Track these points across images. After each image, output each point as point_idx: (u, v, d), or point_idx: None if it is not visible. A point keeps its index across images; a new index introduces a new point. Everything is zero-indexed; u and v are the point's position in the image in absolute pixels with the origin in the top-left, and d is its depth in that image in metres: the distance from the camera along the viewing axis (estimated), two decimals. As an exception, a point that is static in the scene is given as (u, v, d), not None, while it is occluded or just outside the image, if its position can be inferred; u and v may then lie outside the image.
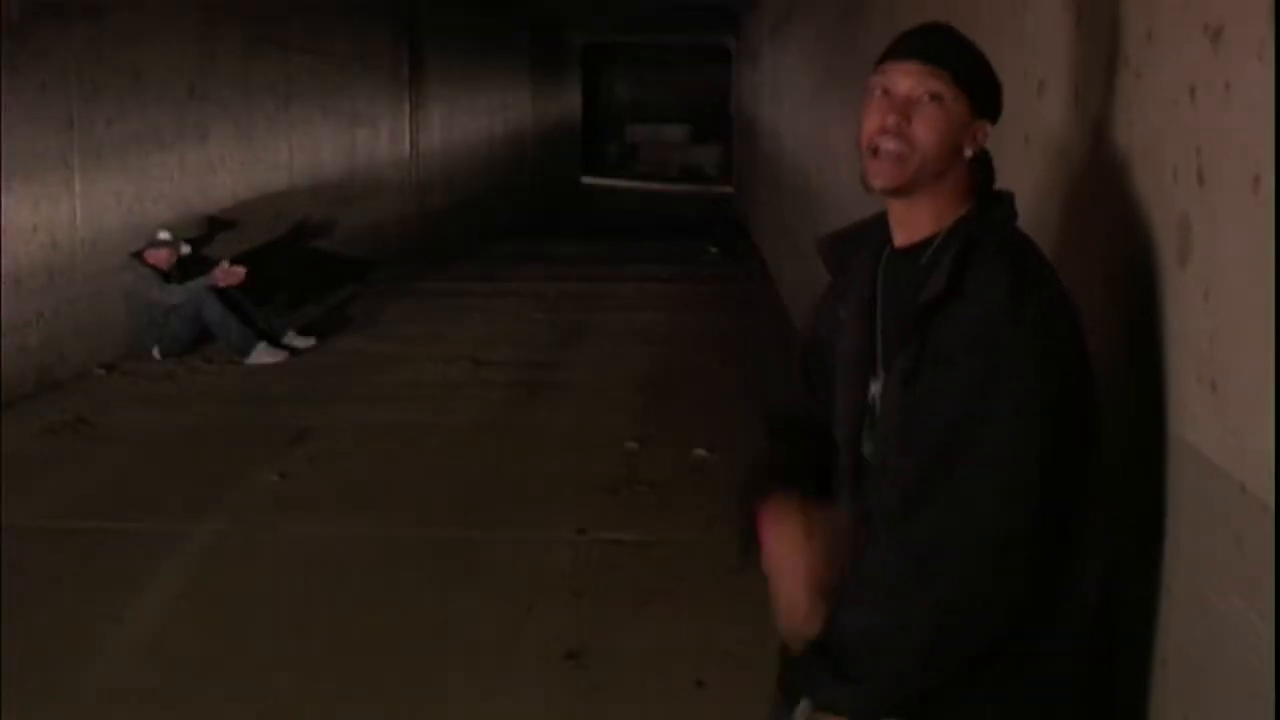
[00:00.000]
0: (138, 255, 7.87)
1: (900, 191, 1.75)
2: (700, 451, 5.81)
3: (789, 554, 1.77)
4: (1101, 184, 2.11)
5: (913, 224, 1.79)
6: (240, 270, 8.06)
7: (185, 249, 8.11)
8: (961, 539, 1.61)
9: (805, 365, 2.01)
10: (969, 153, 1.77)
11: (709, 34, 23.62)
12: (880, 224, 1.88)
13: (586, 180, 26.96)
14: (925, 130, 1.73)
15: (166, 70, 8.35)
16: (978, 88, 1.77)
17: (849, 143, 6.18)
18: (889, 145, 1.73)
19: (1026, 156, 2.59)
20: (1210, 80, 1.67)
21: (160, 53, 8.25)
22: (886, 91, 1.76)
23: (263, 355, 7.92)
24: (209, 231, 8.84)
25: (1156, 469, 1.82)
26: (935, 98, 1.73)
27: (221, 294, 7.99)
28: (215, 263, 8.25)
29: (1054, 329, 1.66)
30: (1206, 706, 1.68)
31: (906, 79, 1.74)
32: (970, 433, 1.61)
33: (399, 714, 3.43)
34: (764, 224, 14.09)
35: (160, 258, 7.93)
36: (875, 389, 1.80)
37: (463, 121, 16.00)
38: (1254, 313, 1.53)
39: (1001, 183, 1.84)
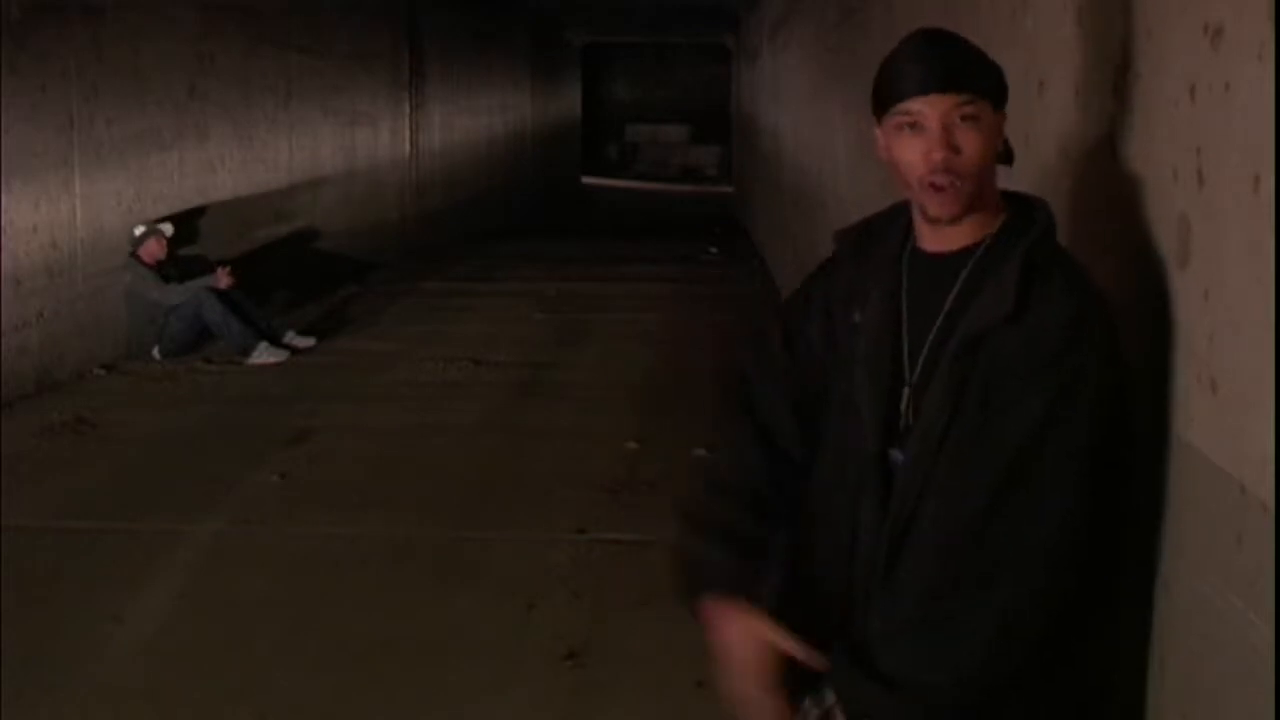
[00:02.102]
0: (134, 256, 7.87)
1: (963, 215, 1.73)
2: (700, 451, 5.80)
3: (739, 659, 1.79)
4: (1102, 184, 2.11)
5: (952, 231, 1.76)
6: (229, 277, 8.07)
7: (168, 229, 8.07)
8: (1024, 554, 1.63)
9: (789, 339, 1.94)
10: (999, 147, 1.76)
11: (709, 34, 23.63)
12: (899, 219, 1.86)
13: (586, 180, 26.96)
14: (973, 150, 1.69)
15: (166, 70, 8.36)
16: (994, 87, 1.75)
17: (848, 144, 6.18)
18: (944, 181, 1.70)
19: (1027, 156, 2.58)
20: (1210, 80, 1.67)
21: (160, 53, 8.26)
22: (915, 125, 1.70)
23: (264, 355, 7.92)
24: (187, 215, 8.74)
25: (1156, 469, 1.82)
26: (970, 119, 1.70)
27: (221, 294, 8.00)
28: (215, 264, 8.26)
29: (1113, 352, 1.67)
30: (1206, 706, 1.68)
31: (935, 111, 1.69)
32: (1041, 454, 1.63)
33: (399, 714, 3.43)
34: (764, 224, 14.09)
35: (151, 251, 7.92)
36: (906, 397, 1.77)
37: (463, 121, 16.00)
38: (1254, 313, 1.53)
39: (1002, 183, 1.84)
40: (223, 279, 8.01)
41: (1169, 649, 1.80)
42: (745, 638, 1.80)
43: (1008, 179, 1.87)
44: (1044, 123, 2.48)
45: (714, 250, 14.61)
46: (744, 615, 1.80)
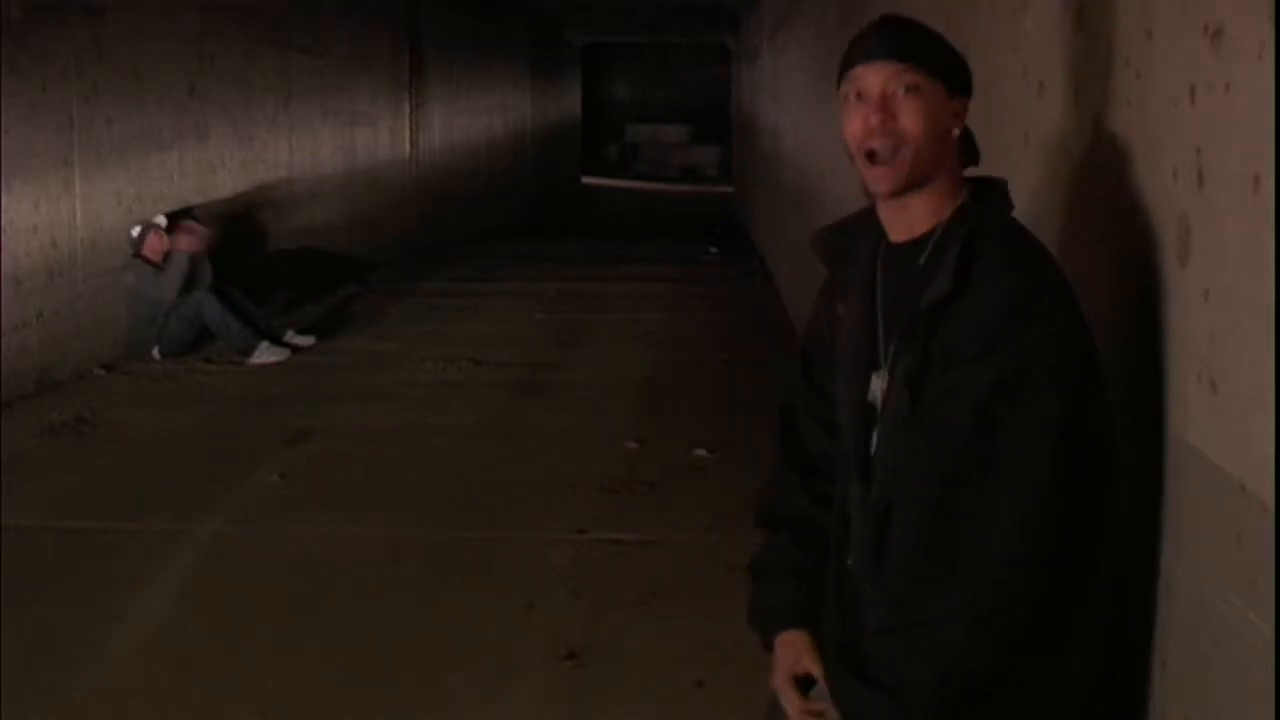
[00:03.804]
0: (138, 256, 7.87)
1: (904, 191, 1.75)
2: (700, 451, 5.81)
3: (788, 688, 1.90)
4: (1101, 184, 2.11)
5: (909, 219, 1.78)
6: (198, 230, 8.11)
7: (162, 220, 8.06)
8: (989, 539, 1.62)
9: (806, 361, 2.02)
10: (956, 132, 1.78)
11: (709, 34, 23.62)
12: (873, 216, 1.87)
13: (586, 180, 26.97)
14: (911, 120, 1.72)
15: (166, 70, 8.35)
16: (947, 69, 1.77)
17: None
18: (879, 145, 1.72)
19: (1026, 156, 2.59)
20: (1210, 80, 1.67)
21: (160, 53, 8.26)
22: (860, 95, 1.75)
23: (265, 355, 7.93)
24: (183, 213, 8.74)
25: (1156, 469, 1.82)
26: (912, 89, 1.73)
27: (221, 294, 8.00)
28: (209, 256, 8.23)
29: (1065, 322, 1.67)
30: (1206, 706, 1.68)
31: (877, 77, 1.73)
32: (992, 435, 1.62)
33: (399, 714, 3.42)
34: (764, 224, 14.10)
35: (152, 247, 7.90)
36: (877, 386, 1.79)
37: (462, 121, 16.00)
38: (1254, 313, 1.53)
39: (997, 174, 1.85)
40: (186, 239, 7.99)
41: (1169, 649, 1.80)
42: (791, 655, 1.92)
43: (1007, 177, 1.87)
44: (1044, 123, 2.48)
45: (714, 250, 14.61)
46: (796, 641, 1.92)
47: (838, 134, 1.82)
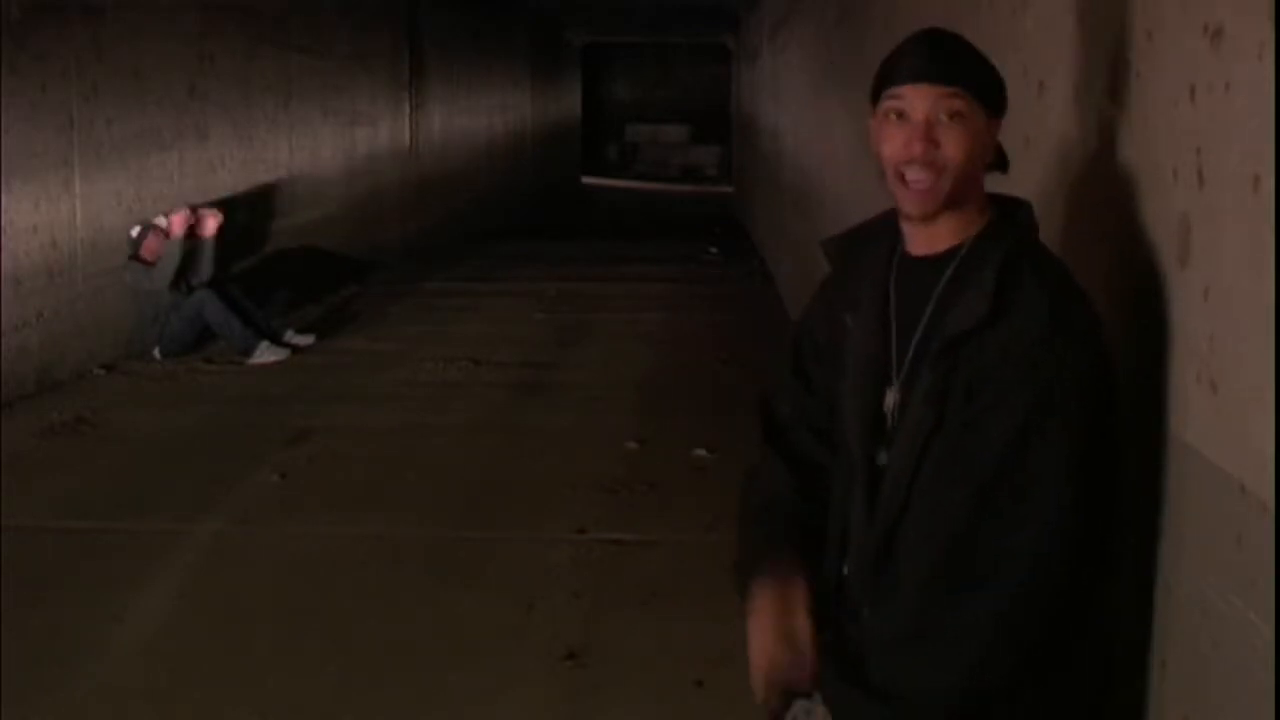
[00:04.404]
0: (136, 258, 7.86)
1: (937, 216, 1.74)
2: (700, 451, 5.81)
3: (758, 639, 1.85)
4: (1102, 184, 2.11)
5: (934, 234, 1.77)
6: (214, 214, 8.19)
7: (162, 221, 8.06)
8: (1018, 548, 1.63)
9: (799, 362, 2.00)
10: (989, 153, 1.77)
11: (709, 34, 23.63)
12: (888, 224, 1.86)
13: (586, 180, 26.97)
14: (954, 150, 1.70)
15: (166, 70, 8.35)
16: (989, 92, 1.75)
17: (848, 144, 6.19)
18: (919, 175, 1.71)
19: (1027, 157, 2.59)
20: (1210, 80, 1.67)
21: (160, 53, 8.25)
22: (901, 115, 1.72)
23: (265, 354, 7.93)
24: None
25: (1156, 469, 1.82)
26: (956, 115, 1.70)
27: (223, 294, 8.01)
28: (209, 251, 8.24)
29: (1096, 340, 1.67)
30: (1206, 706, 1.68)
31: (923, 102, 1.70)
32: (1026, 452, 1.63)
33: (399, 714, 3.43)
34: (764, 224, 14.10)
35: (150, 248, 7.90)
36: (891, 399, 1.78)
37: (463, 122, 16.00)
38: (1254, 313, 1.53)
39: (1002, 183, 1.84)
40: (198, 221, 8.03)
41: (1169, 649, 1.80)
42: (764, 621, 1.85)
43: (1007, 178, 1.87)
44: (1044, 123, 2.48)
45: (714, 250, 14.61)
46: (770, 592, 1.85)
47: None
